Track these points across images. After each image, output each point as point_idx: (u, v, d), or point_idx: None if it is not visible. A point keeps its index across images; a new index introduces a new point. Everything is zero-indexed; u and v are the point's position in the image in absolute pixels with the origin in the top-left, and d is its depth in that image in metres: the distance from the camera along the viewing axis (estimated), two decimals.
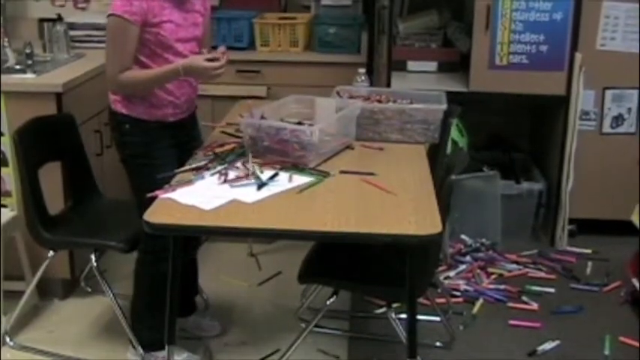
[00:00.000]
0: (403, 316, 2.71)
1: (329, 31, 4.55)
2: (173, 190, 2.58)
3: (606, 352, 3.25)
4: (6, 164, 3.47)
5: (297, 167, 2.81)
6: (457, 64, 4.39)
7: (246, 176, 2.68)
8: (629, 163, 4.18)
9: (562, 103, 4.07)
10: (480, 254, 4.08)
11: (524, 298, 3.67)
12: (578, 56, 3.99)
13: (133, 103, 2.96)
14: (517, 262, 4.02)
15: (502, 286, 3.76)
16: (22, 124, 3.09)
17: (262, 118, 3.01)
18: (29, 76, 3.63)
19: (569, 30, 3.96)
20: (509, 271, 3.94)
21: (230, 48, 4.48)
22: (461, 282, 3.79)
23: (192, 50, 3.00)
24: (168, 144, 3.01)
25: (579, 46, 4.01)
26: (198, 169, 2.78)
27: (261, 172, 2.71)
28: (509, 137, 4.70)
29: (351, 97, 3.38)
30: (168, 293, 2.58)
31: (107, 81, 2.93)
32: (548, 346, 3.27)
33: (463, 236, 4.18)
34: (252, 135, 2.91)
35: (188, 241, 3.04)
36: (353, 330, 3.42)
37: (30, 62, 3.67)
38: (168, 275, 2.57)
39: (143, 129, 2.98)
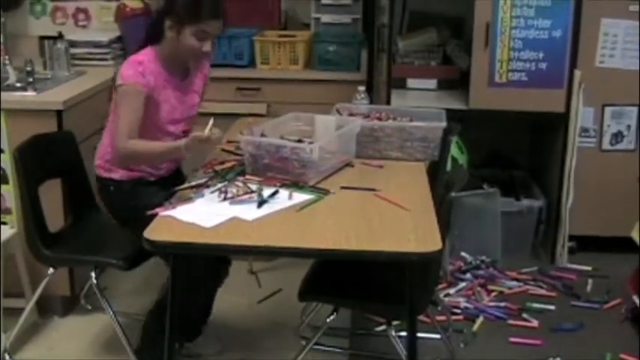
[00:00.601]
0: (403, 333, 2.71)
1: (329, 49, 4.56)
2: (173, 207, 2.58)
3: None
4: (6, 181, 3.47)
5: (298, 185, 2.81)
6: (457, 82, 4.40)
7: (246, 194, 2.68)
8: (628, 179, 4.17)
9: (561, 120, 4.08)
10: (480, 271, 4.07)
11: (524, 315, 3.66)
12: (577, 73, 4.00)
13: (113, 166, 3.04)
14: (517, 280, 4.01)
15: (502, 304, 3.76)
16: (22, 142, 3.09)
17: (262, 135, 3.02)
18: (30, 93, 3.64)
19: (568, 47, 3.98)
20: (510, 289, 3.93)
21: (230, 66, 4.56)
22: (461, 299, 3.79)
23: (183, 129, 3.06)
24: (155, 190, 3.00)
25: (578, 63, 4.02)
26: (198, 186, 2.78)
27: (262, 189, 2.72)
28: (508, 154, 4.71)
29: (350, 115, 3.38)
30: (168, 312, 2.57)
31: (115, 149, 2.89)
32: None
33: (463, 253, 4.17)
34: (253, 153, 2.92)
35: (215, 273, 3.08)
36: (353, 347, 3.41)
37: (30, 80, 3.68)
38: (168, 295, 2.56)
39: (126, 189, 3.05)
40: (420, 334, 2.84)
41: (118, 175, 3.06)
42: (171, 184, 2.89)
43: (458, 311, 3.69)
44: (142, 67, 2.91)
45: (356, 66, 4.56)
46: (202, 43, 2.93)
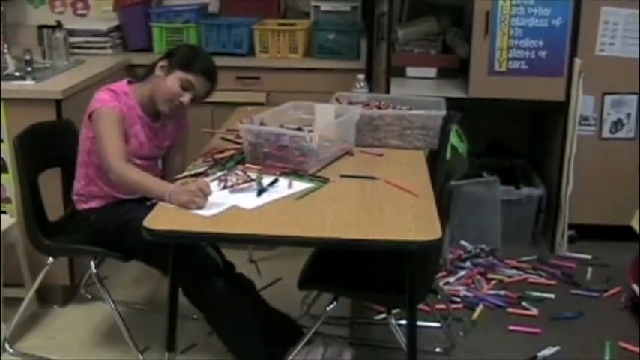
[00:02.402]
0: (403, 322, 2.71)
1: (328, 38, 4.56)
2: None
3: (606, 358, 3.25)
4: (6, 171, 3.47)
5: (297, 173, 2.81)
6: (456, 70, 4.39)
7: (246, 182, 2.68)
8: (628, 168, 4.18)
9: (561, 108, 4.07)
10: (480, 260, 4.07)
11: (524, 303, 3.66)
12: (577, 62, 4.00)
13: (89, 199, 3.05)
14: (517, 268, 4.02)
15: (502, 292, 3.76)
16: (21, 131, 3.09)
17: (262, 124, 3.01)
18: (29, 82, 3.63)
19: (568, 35, 3.97)
20: (509, 277, 3.93)
21: (230, 54, 4.55)
22: (461, 288, 3.79)
23: (148, 167, 3.03)
24: (135, 205, 2.96)
25: (578, 51, 4.01)
26: (197, 175, 2.78)
27: (261, 178, 2.71)
28: (508, 143, 4.70)
29: (350, 103, 3.38)
30: (169, 299, 2.58)
31: (108, 170, 2.82)
32: (548, 351, 3.27)
33: (463, 242, 4.17)
34: (252, 141, 2.92)
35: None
36: (353, 336, 3.41)
37: (29, 69, 3.67)
38: (168, 284, 2.57)
39: (104, 211, 3.03)
40: (419, 323, 2.85)
41: (96, 203, 3.05)
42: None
43: (457, 300, 3.69)
44: (116, 94, 2.93)
45: (355, 54, 4.55)
46: (183, 92, 2.93)
